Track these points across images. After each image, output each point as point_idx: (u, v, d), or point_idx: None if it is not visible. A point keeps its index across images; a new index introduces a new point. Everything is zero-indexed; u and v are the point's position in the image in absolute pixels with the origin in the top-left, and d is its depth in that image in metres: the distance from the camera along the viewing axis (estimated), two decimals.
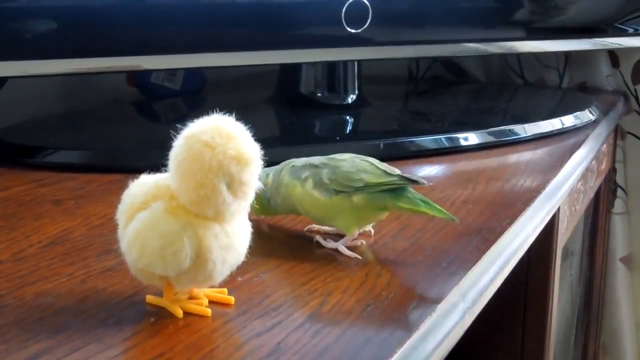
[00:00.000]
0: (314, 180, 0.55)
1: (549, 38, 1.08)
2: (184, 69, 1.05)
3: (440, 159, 0.83)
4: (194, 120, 0.42)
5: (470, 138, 0.88)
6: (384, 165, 0.55)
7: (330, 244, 0.55)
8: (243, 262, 0.45)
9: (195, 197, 0.41)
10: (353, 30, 0.87)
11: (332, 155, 0.57)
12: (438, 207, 0.53)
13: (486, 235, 0.58)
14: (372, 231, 0.57)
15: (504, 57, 1.32)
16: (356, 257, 0.54)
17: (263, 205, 0.58)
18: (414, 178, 0.53)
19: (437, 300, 0.46)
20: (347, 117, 0.95)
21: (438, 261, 0.53)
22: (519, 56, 1.31)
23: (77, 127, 0.92)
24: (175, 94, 1.08)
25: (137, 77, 1.09)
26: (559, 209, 0.83)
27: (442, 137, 0.86)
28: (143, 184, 0.44)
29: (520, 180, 0.75)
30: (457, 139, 0.87)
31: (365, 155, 0.57)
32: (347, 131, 0.95)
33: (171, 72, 1.06)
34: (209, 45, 0.82)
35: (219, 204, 0.41)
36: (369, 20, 0.87)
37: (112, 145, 0.82)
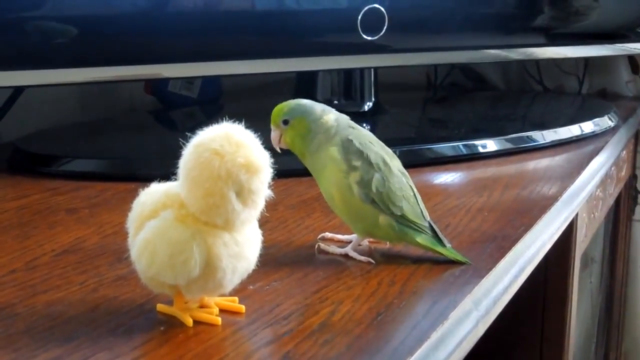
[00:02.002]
0: (362, 178, 0.53)
1: (569, 44, 1.07)
2: (202, 77, 1.05)
3: (457, 166, 0.83)
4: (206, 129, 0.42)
5: (488, 145, 0.88)
6: (421, 202, 0.55)
7: (336, 249, 0.55)
8: (255, 270, 0.45)
9: (205, 205, 0.41)
10: (369, 38, 0.86)
11: (387, 155, 0.54)
12: (453, 250, 0.54)
13: (501, 242, 0.58)
14: None
15: (523, 64, 1.32)
16: (369, 261, 0.53)
17: (304, 137, 0.54)
18: (441, 237, 0.54)
19: (450, 309, 0.46)
20: (364, 124, 0.95)
21: (452, 269, 0.52)
22: (538, 63, 1.30)
23: (94, 136, 0.92)
24: (192, 102, 1.08)
25: (155, 86, 1.09)
26: (577, 216, 0.82)
27: (459, 144, 0.86)
28: (153, 193, 0.44)
29: (537, 187, 0.74)
30: (475, 146, 0.87)
31: None
32: None
33: (189, 81, 1.07)
34: (226, 54, 0.82)
35: (228, 213, 0.41)
36: (385, 28, 0.87)
37: (128, 154, 0.82)
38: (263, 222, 0.61)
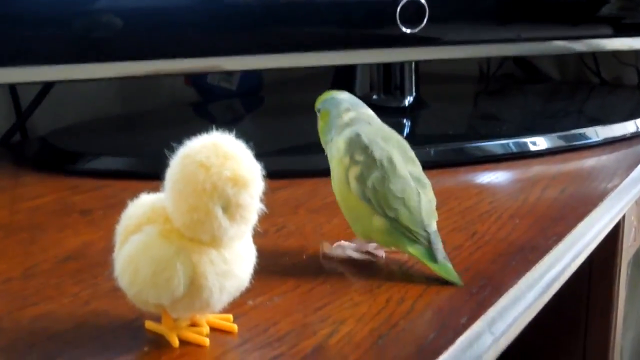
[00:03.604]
0: (362, 173, 0.50)
1: (630, 35, 1.02)
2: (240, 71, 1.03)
3: (496, 166, 0.79)
4: (191, 139, 0.40)
5: (539, 142, 0.83)
6: (426, 211, 0.50)
7: (339, 252, 0.52)
8: (259, 282, 0.42)
9: (189, 220, 0.39)
10: (408, 30, 0.83)
11: (401, 156, 0.51)
12: (447, 265, 0.49)
13: (528, 255, 0.54)
14: None
15: (580, 55, 1.26)
16: (369, 259, 0.52)
17: (323, 130, 0.54)
18: (434, 251, 0.49)
19: (460, 332, 0.43)
20: (403, 120, 0.91)
21: (469, 285, 0.49)
22: (595, 53, 1.25)
23: (126, 131, 0.91)
24: (231, 94, 1.06)
25: (194, 78, 1.07)
26: (623, 219, 0.78)
27: (505, 141, 0.82)
28: (140, 205, 0.42)
29: (579, 189, 0.70)
30: (525, 143, 0.83)
31: (419, 159, 0.53)
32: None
33: (227, 73, 1.04)
34: (265, 47, 0.79)
35: (214, 229, 0.38)
36: (425, 20, 0.83)
37: (153, 151, 0.80)
38: (280, 227, 0.59)
